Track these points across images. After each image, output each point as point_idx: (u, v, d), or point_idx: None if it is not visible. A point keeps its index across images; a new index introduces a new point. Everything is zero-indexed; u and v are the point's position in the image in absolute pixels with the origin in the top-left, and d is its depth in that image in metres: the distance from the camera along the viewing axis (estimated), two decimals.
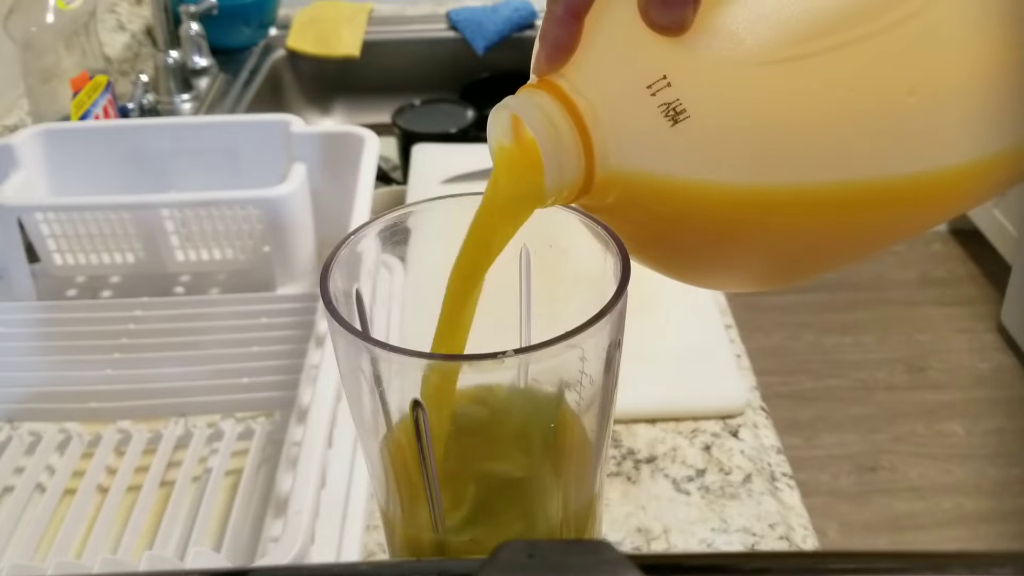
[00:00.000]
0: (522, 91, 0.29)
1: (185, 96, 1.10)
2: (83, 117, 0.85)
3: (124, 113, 0.98)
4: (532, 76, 0.30)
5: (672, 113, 0.26)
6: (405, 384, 0.32)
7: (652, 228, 0.29)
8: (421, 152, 0.93)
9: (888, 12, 0.25)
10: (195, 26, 1.14)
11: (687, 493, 0.57)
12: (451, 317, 0.32)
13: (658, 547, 0.54)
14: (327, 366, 0.52)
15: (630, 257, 0.31)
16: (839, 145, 0.26)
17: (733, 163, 0.26)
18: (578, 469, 0.34)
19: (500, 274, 0.35)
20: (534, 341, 0.35)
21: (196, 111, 1.10)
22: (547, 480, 0.33)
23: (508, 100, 0.29)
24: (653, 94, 0.26)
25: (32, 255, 0.70)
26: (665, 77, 0.26)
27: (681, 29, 0.26)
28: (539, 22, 1.28)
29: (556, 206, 0.31)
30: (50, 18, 0.84)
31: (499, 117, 0.29)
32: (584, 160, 0.28)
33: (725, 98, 0.26)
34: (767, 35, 0.26)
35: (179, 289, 0.72)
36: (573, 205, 0.33)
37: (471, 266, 0.31)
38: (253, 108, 1.14)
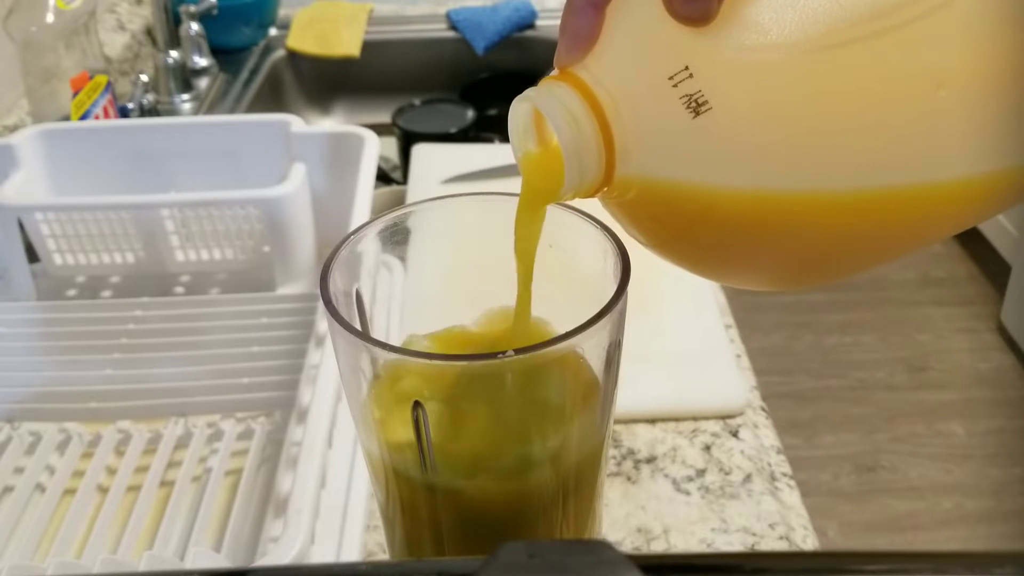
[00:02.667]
0: (543, 83, 0.29)
1: (185, 96, 1.10)
2: (83, 117, 0.85)
3: (124, 113, 0.98)
4: (554, 67, 0.29)
5: (694, 105, 0.26)
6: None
7: (672, 222, 0.29)
8: (421, 152, 0.93)
9: (917, 3, 0.25)
10: (195, 26, 1.14)
11: (687, 493, 0.57)
12: (521, 291, 0.33)
13: (658, 547, 0.54)
14: (327, 366, 0.52)
15: (649, 250, 0.31)
16: (862, 138, 0.25)
17: (755, 156, 0.26)
18: (578, 467, 0.34)
19: (500, 273, 0.35)
20: None
21: (196, 111, 1.10)
22: (547, 480, 0.33)
23: (529, 92, 0.29)
24: (675, 85, 0.26)
25: (32, 255, 0.70)
26: (687, 68, 0.26)
27: (705, 20, 0.25)
28: (539, 22, 1.29)
29: (575, 200, 0.31)
30: (50, 18, 0.84)
31: (520, 110, 0.29)
32: (604, 152, 0.28)
33: (748, 90, 0.26)
34: (792, 26, 0.25)
35: (179, 289, 0.72)
36: (574, 205, 0.33)
37: (520, 249, 0.32)
38: (253, 108, 1.14)
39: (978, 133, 0.26)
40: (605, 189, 0.29)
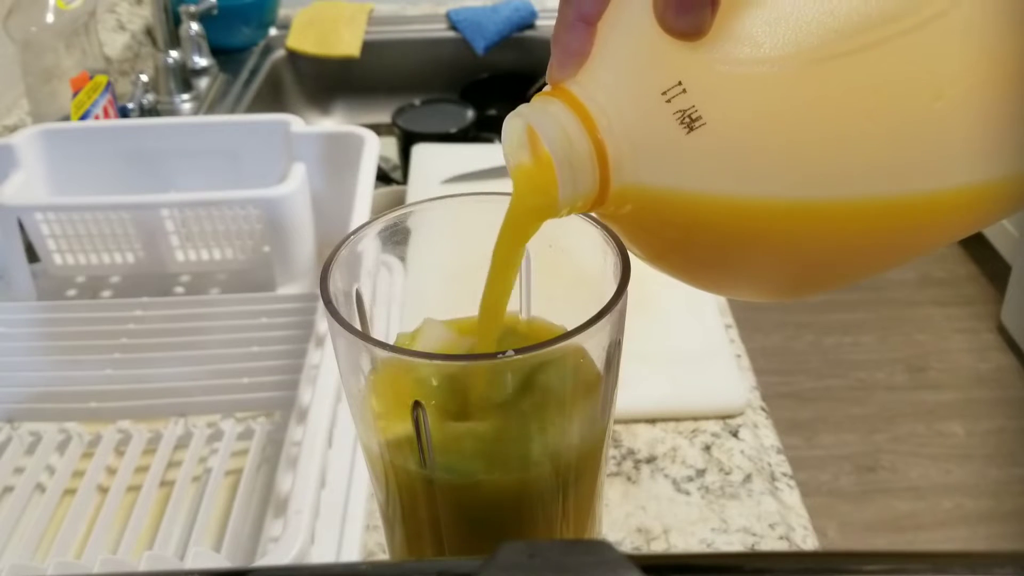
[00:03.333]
0: (536, 99, 0.29)
1: (185, 96, 1.10)
2: (83, 117, 0.85)
3: (124, 113, 0.98)
4: (547, 83, 0.29)
5: (688, 120, 0.26)
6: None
7: (668, 237, 0.29)
8: (421, 152, 0.93)
9: (912, 14, 0.25)
10: (195, 26, 1.14)
11: (687, 493, 0.57)
12: (490, 305, 0.32)
13: (658, 547, 0.54)
14: (327, 366, 0.52)
15: (648, 263, 0.31)
16: (859, 152, 0.25)
17: (750, 172, 0.26)
18: (578, 468, 0.34)
19: None
20: None
21: (196, 111, 1.10)
22: (547, 479, 0.33)
23: (522, 109, 0.29)
24: (668, 101, 0.26)
25: (32, 255, 0.70)
26: (680, 83, 0.26)
27: (699, 34, 0.25)
28: (539, 22, 1.29)
29: (571, 216, 0.31)
30: (50, 18, 0.84)
31: (513, 126, 0.29)
32: (598, 169, 0.27)
33: (742, 105, 0.25)
34: (786, 38, 0.25)
35: (179, 289, 0.72)
36: None
37: (500, 267, 0.32)
38: (253, 108, 1.14)
39: (974, 142, 0.26)
40: (601, 206, 0.29)
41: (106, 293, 0.72)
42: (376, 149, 0.71)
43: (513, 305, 0.37)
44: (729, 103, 0.26)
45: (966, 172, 0.26)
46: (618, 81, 0.27)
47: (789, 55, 0.25)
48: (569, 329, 0.29)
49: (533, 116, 0.28)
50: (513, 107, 0.29)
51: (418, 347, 0.35)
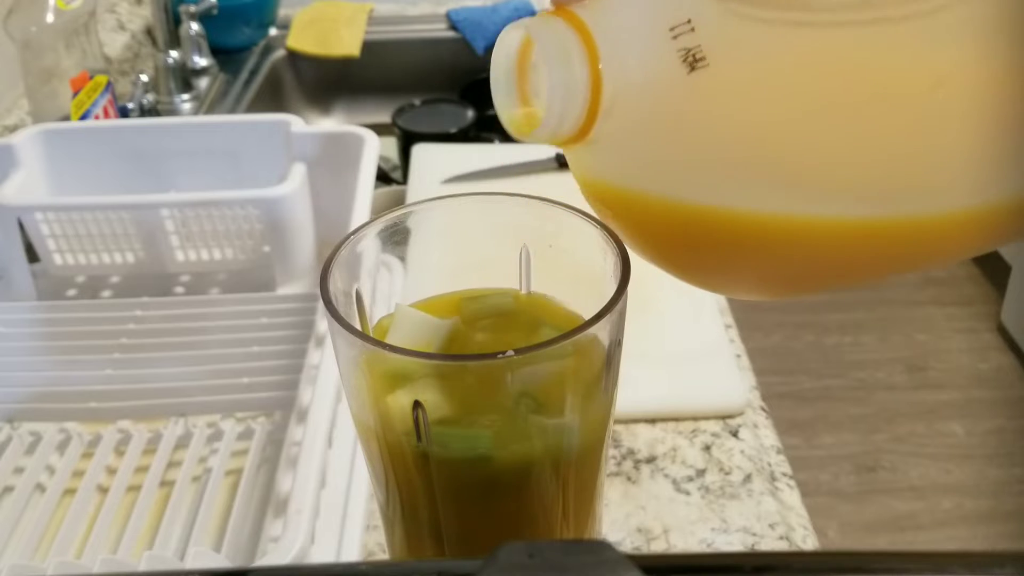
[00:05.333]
0: (540, 15, 0.28)
1: (185, 96, 1.10)
2: (83, 117, 0.85)
3: (124, 113, 0.98)
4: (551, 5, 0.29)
5: (691, 59, 0.25)
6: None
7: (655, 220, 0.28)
8: (421, 152, 0.93)
9: None
10: (195, 26, 1.15)
11: (687, 493, 0.57)
12: None
13: (658, 547, 0.54)
14: (327, 366, 0.52)
15: (642, 257, 0.30)
16: (855, 137, 0.25)
17: (747, 128, 0.25)
18: (578, 467, 0.34)
19: (500, 274, 0.35)
20: None
21: (196, 111, 1.10)
22: (547, 478, 0.33)
23: (524, 20, 0.28)
24: (675, 37, 0.25)
25: (32, 255, 0.70)
26: (690, 21, 0.25)
27: None
28: None
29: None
30: (50, 18, 0.84)
31: (511, 37, 0.29)
32: (591, 95, 0.27)
33: (748, 53, 0.25)
34: None
35: (179, 289, 0.72)
36: (575, 205, 0.32)
37: None
38: (253, 108, 1.14)
39: (981, 160, 0.25)
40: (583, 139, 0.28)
41: (106, 293, 0.72)
42: (376, 149, 0.71)
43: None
44: (736, 49, 0.25)
45: (968, 191, 0.25)
46: (626, 11, 0.26)
47: (803, 11, 0.24)
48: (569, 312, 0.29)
49: (535, 28, 0.27)
50: None
51: (394, 334, 0.35)
